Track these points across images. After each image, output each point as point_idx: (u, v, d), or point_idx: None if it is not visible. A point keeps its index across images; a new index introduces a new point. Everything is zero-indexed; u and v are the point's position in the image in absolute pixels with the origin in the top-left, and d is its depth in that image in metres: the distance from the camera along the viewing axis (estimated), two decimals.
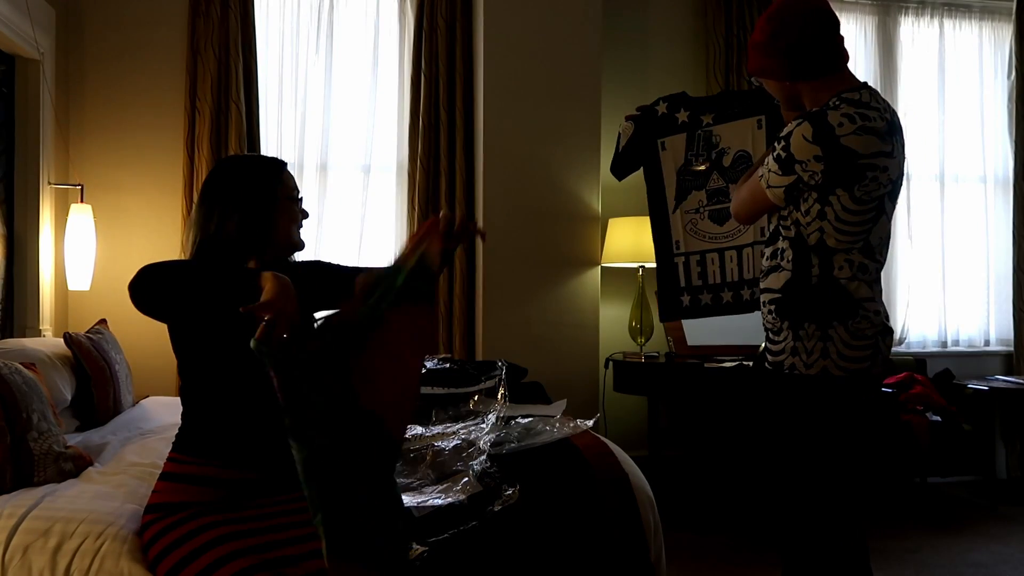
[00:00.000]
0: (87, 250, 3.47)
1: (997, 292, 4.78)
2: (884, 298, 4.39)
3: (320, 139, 3.96)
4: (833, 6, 5.17)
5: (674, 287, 2.48)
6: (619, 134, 2.50)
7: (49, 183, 3.50)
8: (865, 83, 1.91)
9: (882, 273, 1.94)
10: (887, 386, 4.09)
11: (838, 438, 1.89)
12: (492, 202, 3.79)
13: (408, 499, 2.00)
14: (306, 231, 1.95)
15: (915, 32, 4.70)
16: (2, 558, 1.70)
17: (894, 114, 1.92)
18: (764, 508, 2.13)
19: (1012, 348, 4.72)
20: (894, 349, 4.57)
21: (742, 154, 2.39)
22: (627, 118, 2.47)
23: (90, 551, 1.69)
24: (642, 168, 2.51)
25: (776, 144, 1.89)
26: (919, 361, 4.47)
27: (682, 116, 2.42)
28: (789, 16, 1.88)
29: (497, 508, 1.98)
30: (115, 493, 1.96)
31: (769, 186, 1.90)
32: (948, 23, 4.75)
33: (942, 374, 4.44)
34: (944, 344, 4.75)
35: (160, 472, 1.77)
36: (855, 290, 1.85)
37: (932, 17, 4.72)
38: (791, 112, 2.01)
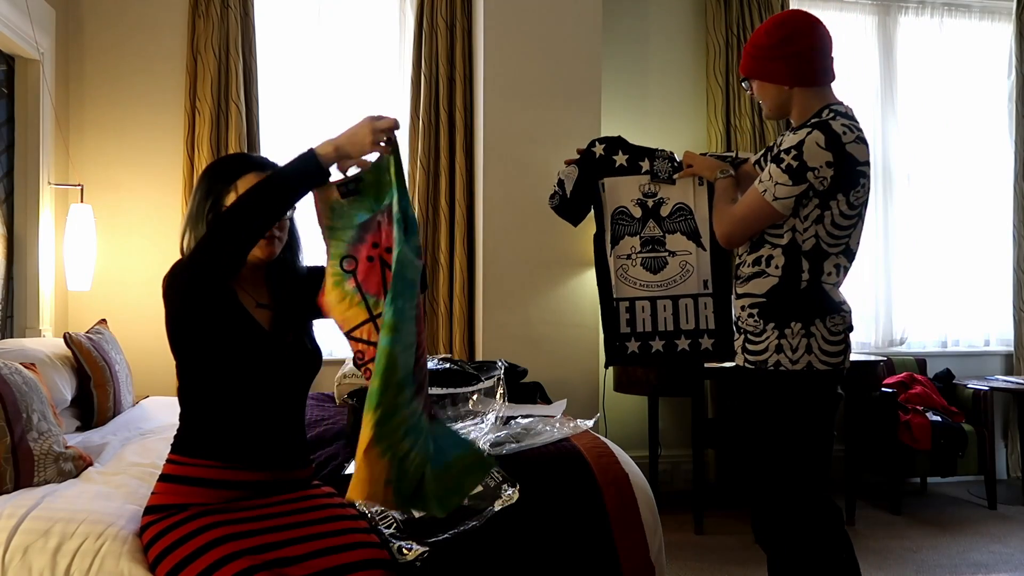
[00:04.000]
0: (87, 250, 3.47)
1: (997, 292, 4.78)
2: (884, 298, 4.52)
3: (320, 139, 3.95)
4: (833, 5, 5.15)
5: (615, 332, 2.44)
6: (561, 180, 2.48)
7: (49, 183, 3.50)
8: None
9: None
10: (887, 386, 4.10)
11: (820, 427, 2.04)
12: (492, 202, 3.79)
13: None
14: (302, 234, 1.92)
15: (915, 32, 4.70)
16: (2, 558, 1.70)
17: None
18: (749, 501, 2.21)
19: (1012, 348, 4.73)
20: (894, 349, 4.60)
21: (681, 206, 2.40)
22: (567, 163, 2.48)
23: (90, 551, 1.69)
24: (592, 208, 2.50)
25: (783, 155, 1.95)
26: (919, 361, 4.47)
27: (620, 159, 2.42)
28: (799, 24, 2.03)
29: (497, 508, 1.98)
30: (115, 493, 1.96)
31: (776, 198, 1.96)
32: (948, 22, 4.74)
33: (942, 374, 4.44)
34: (944, 344, 4.75)
35: (159, 474, 1.77)
36: (834, 293, 2.02)
37: (932, 16, 4.72)
38: (772, 119, 2.15)
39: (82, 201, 3.53)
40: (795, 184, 1.93)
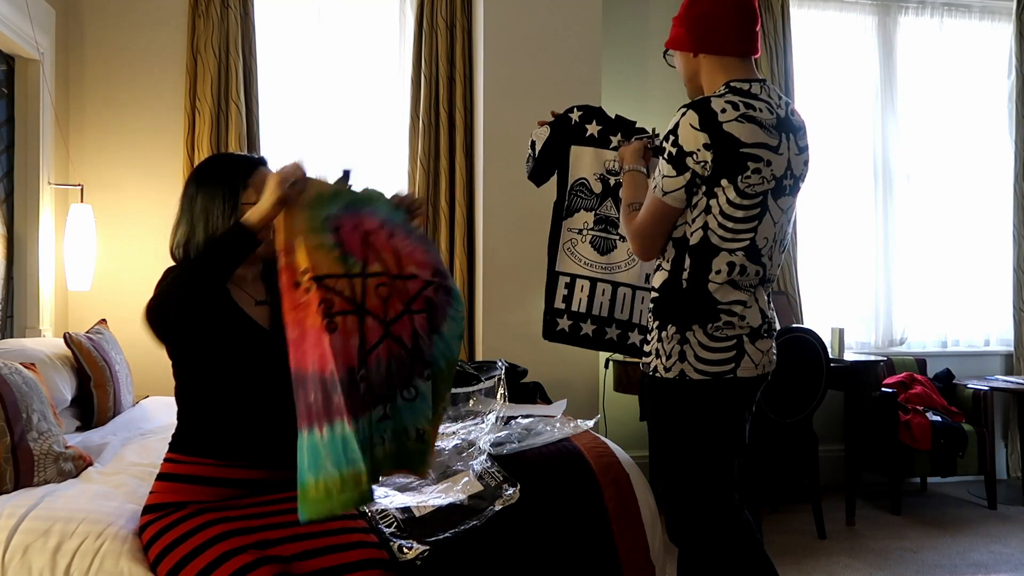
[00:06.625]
0: (87, 250, 3.47)
1: (997, 292, 4.78)
2: (884, 298, 4.35)
3: (320, 139, 3.96)
4: (833, 5, 5.13)
5: (550, 306, 2.38)
6: (532, 140, 2.39)
7: (49, 183, 3.50)
8: (764, 79, 1.86)
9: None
10: (887, 386, 4.10)
11: (697, 439, 1.86)
12: (492, 202, 3.79)
13: (408, 499, 2.00)
14: None
15: (915, 32, 4.70)
16: (2, 558, 1.70)
17: (792, 112, 1.86)
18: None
19: (1012, 348, 4.72)
20: (894, 349, 4.60)
21: None
22: (541, 124, 2.39)
23: (90, 551, 1.70)
24: (556, 173, 2.41)
25: (664, 142, 1.80)
26: (919, 361, 4.47)
27: (592, 128, 2.31)
28: None
29: (497, 508, 1.98)
30: (115, 493, 1.96)
31: (665, 192, 1.79)
32: (948, 22, 4.74)
33: (942, 374, 4.44)
34: (944, 344, 4.74)
35: (157, 473, 1.77)
36: (721, 294, 1.80)
37: (932, 17, 4.72)
38: (690, 96, 1.94)
39: (82, 201, 3.53)
40: (679, 174, 1.75)
